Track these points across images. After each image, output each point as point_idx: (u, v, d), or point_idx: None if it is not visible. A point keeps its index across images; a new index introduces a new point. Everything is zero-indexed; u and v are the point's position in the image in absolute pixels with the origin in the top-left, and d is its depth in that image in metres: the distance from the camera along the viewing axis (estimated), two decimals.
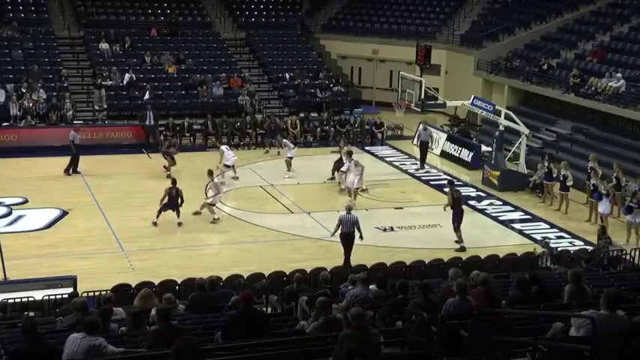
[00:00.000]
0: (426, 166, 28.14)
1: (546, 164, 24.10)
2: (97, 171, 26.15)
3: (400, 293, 11.03)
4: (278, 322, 10.98)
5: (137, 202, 23.36)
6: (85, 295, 13.75)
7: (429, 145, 28.88)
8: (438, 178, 26.70)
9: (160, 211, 21.24)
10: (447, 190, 21.28)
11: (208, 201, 22.20)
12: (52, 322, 11.76)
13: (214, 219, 21.87)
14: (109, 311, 10.65)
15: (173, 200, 21.32)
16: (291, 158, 26.39)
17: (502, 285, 13.45)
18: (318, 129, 31.59)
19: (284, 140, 27.62)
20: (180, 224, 21.30)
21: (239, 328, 9.63)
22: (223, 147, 26.11)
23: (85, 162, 26.54)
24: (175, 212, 21.34)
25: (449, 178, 25.37)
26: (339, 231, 18.80)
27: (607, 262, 17.63)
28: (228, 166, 25.44)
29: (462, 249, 19.75)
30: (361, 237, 18.82)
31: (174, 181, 21.93)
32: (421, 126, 28.62)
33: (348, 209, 18.99)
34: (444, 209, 20.54)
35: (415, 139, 30.18)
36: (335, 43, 38.61)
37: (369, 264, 16.84)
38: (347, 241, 18.63)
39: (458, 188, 21.45)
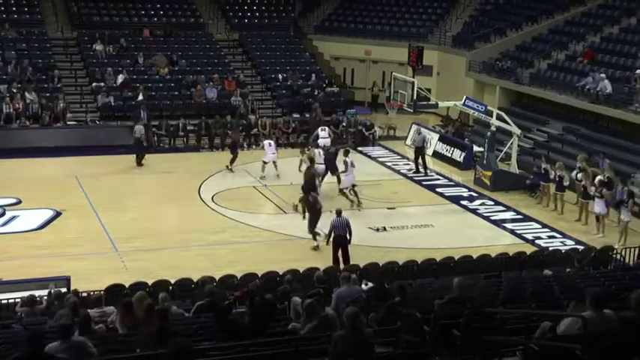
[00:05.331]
0: (429, 172, 27.37)
1: (542, 165, 24.18)
2: (91, 171, 26.12)
3: (398, 296, 11.06)
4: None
5: (131, 203, 23.41)
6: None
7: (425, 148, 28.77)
8: (431, 179, 26.79)
9: (314, 232, 19.75)
10: None
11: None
12: (43, 322, 11.81)
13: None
14: (86, 317, 10.45)
15: (313, 207, 19.86)
16: (267, 163, 25.91)
17: (494, 285, 13.54)
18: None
19: (266, 141, 27.08)
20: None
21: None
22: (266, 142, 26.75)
23: (78, 163, 26.59)
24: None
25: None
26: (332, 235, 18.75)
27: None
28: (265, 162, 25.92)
29: None
30: (349, 240, 18.69)
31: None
32: (414, 127, 28.58)
33: (339, 212, 18.98)
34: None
35: (409, 141, 30.26)
36: (328, 44, 38.68)
37: (361, 264, 16.92)
38: (340, 244, 18.55)
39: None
